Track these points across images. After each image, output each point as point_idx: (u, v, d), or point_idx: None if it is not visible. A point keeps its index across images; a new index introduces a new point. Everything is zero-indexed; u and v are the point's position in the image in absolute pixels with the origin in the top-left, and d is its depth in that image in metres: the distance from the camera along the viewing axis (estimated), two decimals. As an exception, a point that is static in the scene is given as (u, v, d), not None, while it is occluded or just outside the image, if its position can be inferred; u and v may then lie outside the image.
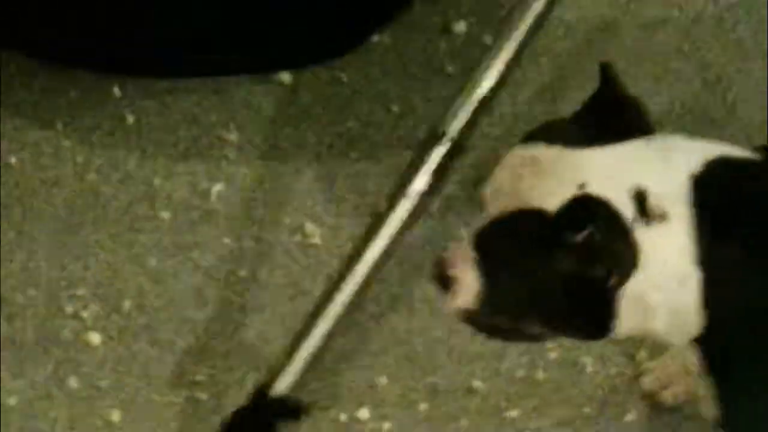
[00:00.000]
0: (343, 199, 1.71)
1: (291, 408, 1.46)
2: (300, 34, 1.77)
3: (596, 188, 1.07)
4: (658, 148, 1.11)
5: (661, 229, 1.08)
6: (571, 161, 1.09)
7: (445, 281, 1.15)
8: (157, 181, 1.75)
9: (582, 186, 1.07)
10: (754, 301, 1.10)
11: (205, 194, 1.74)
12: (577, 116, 1.14)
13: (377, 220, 1.52)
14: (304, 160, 1.75)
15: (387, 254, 1.50)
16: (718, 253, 1.08)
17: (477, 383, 1.59)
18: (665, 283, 1.09)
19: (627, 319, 1.11)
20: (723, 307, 1.10)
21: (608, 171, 1.08)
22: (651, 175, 1.09)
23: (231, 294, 1.66)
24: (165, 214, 1.73)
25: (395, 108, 1.77)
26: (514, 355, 1.59)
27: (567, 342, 1.52)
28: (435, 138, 1.52)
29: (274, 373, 1.47)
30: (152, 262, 1.69)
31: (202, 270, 1.68)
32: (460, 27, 1.81)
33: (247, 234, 1.70)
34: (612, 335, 1.11)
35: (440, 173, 1.51)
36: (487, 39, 1.78)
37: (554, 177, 1.09)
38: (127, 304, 1.67)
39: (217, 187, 1.74)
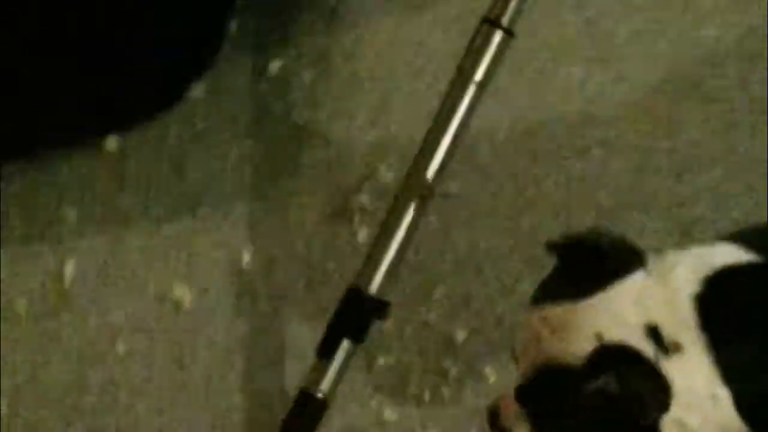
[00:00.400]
0: (202, 255, 1.71)
1: (381, 306, 1.48)
2: (115, 96, 1.75)
3: (613, 335, 1.12)
4: (657, 275, 1.15)
5: (681, 357, 1.11)
6: (581, 314, 1.14)
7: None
8: (5, 273, 1.69)
9: (599, 336, 1.12)
10: None
11: (58, 276, 1.69)
12: (560, 272, 1.20)
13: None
14: (152, 223, 1.73)
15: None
16: (742, 366, 1.12)
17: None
18: (700, 406, 1.12)
19: None
20: (761, 413, 1.14)
21: (617, 315, 1.12)
22: (658, 308, 1.13)
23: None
24: (21, 305, 1.68)
25: (232, 155, 1.78)
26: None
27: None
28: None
29: (368, 273, 1.48)
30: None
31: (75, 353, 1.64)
32: (275, 66, 1.84)
33: (112, 308, 1.67)
34: None
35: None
36: (305, 75, 1.81)
37: (570, 332, 1.13)
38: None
39: (69, 268, 1.70)
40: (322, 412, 1.51)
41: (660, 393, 1.11)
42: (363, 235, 1.71)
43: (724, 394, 1.12)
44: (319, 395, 1.49)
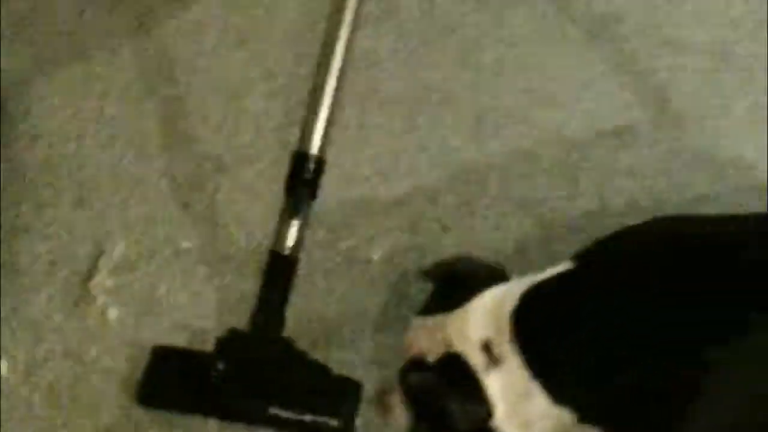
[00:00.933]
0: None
1: (322, 162, 1.65)
2: None
3: (458, 347, 1.37)
4: (499, 297, 1.39)
5: (503, 367, 1.35)
6: (441, 325, 1.40)
7: (383, 406, 1.49)
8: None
9: (449, 345, 1.38)
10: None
11: None
12: (437, 291, 1.50)
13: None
14: None
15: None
16: (545, 360, 1.33)
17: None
18: (522, 403, 1.35)
19: None
20: (569, 395, 1.33)
21: (463, 330, 1.38)
22: (491, 325, 1.36)
23: None
24: None
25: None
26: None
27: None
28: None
29: (307, 137, 1.64)
30: None
31: None
32: None
33: None
34: None
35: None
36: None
37: (433, 339, 1.40)
38: None
39: None
40: (293, 268, 1.64)
41: (470, 402, 1.36)
42: (114, 312, 1.75)
43: (535, 389, 1.34)
44: (287, 252, 1.63)
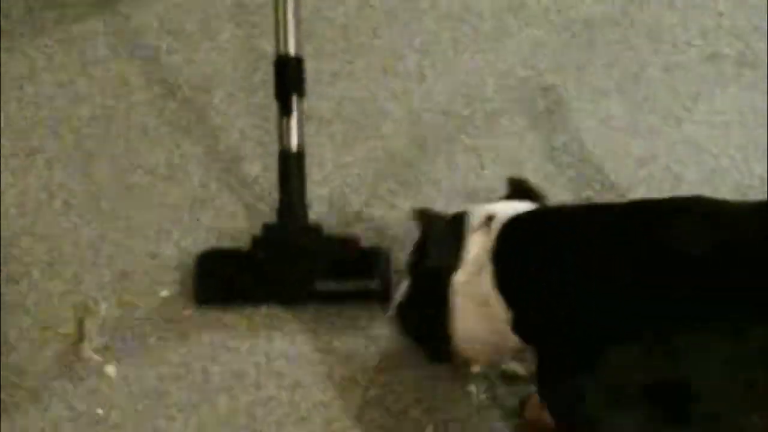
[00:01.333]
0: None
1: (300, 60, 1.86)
2: None
3: (474, 211, 1.60)
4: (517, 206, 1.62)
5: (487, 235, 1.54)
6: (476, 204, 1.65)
7: None
8: None
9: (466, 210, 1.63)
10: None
11: None
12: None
13: None
14: None
15: None
16: (505, 257, 1.52)
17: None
18: (477, 275, 1.54)
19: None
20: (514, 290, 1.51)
21: (486, 208, 1.60)
22: (501, 210, 1.58)
23: None
24: None
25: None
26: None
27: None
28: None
29: (282, 40, 1.86)
30: None
31: None
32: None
33: None
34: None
35: None
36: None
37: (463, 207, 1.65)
38: None
39: None
40: (302, 161, 1.86)
41: (447, 245, 1.58)
42: (112, 369, 1.79)
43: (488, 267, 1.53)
44: (294, 149, 1.85)
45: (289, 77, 1.86)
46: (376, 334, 1.81)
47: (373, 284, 1.82)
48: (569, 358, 1.41)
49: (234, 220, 1.95)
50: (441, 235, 1.62)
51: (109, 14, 2.18)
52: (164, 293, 1.85)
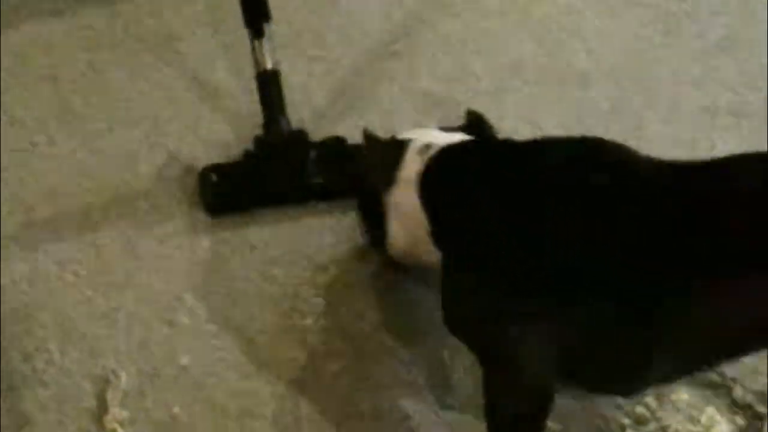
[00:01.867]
0: None
1: None
2: None
3: (417, 136, 1.77)
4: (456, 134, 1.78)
5: (421, 159, 1.71)
6: (426, 131, 1.82)
7: None
8: None
9: (413, 137, 1.78)
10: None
11: None
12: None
13: None
14: None
15: None
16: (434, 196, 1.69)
17: None
18: (410, 203, 1.71)
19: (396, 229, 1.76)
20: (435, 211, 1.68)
21: (430, 137, 1.77)
22: (439, 140, 1.74)
23: None
24: None
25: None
26: None
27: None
28: None
29: None
30: None
31: None
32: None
33: None
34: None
35: None
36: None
37: (414, 134, 1.80)
38: None
39: None
40: (278, 78, 2.05)
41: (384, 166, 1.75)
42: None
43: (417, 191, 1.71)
44: (270, 67, 2.04)
45: (255, 4, 2.03)
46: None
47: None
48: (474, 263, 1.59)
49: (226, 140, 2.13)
50: (382, 157, 1.76)
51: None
52: (184, 361, 1.83)
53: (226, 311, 1.88)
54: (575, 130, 2.10)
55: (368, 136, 1.84)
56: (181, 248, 1.97)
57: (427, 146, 1.73)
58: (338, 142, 2.06)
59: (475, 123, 1.87)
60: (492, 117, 2.12)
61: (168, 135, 2.17)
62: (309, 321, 1.86)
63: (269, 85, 2.05)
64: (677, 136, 2.10)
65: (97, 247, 1.97)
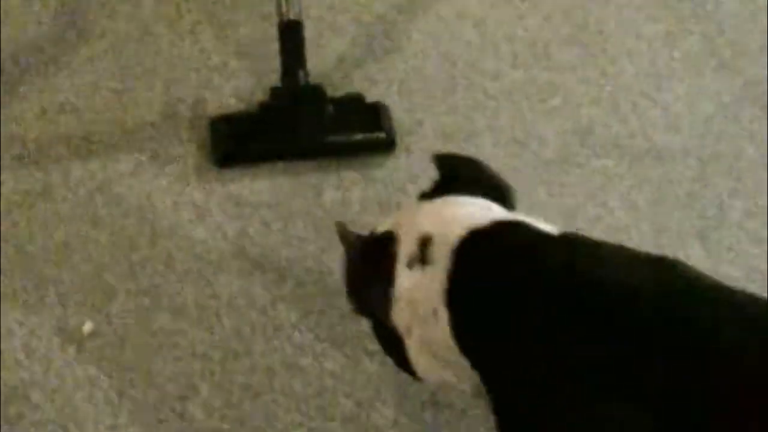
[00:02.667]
0: None
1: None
2: None
3: (402, 227, 1.32)
4: (464, 207, 1.32)
5: (427, 271, 1.27)
6: (407, 208, 1.42)
7: None
8: None
9: (396, 224, 1.34)
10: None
11: None
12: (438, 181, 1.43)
13: None
14: None
15: None
16: (465, 300, 1.26)
17: None
18: (424, 317, 1.29)
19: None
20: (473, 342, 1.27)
21: (414, 217, 1.34)
22: (440, 227, 1.29)
23: None
24: None
25: None
26: None
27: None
28: None
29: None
30: None
31: None
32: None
33: None
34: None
35: None
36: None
37: (394, 216, 1.38)
38: None
39: None
40: (301, 27, 1.97)
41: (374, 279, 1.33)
42: None
43: (443, 316, 1.27)
44: (293, 17, 1.97)
45: None
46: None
47: (383, 135, 1.96)
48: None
49: (242, 87, 2.07)
50: (363, 269, 1.40)
51: None
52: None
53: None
54: (646, 214, 1.90)
55: (343, 234, 1.47)
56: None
57: (424, 242, 1.30)
58: (356, 98, 2.00)
59: (455, 172, 1.45)
60: (554, 191, 1.93)
61: (186, 81, 2.10)
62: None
63: (290, 35, 1.98)
64: (757, 233, 1.87)
65: (108, 314, 1.78)
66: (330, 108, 1.98)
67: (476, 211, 1.32)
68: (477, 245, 1.27)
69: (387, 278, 1.31)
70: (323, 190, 1.93)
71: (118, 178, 1.95)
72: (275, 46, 2.02)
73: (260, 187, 1.94)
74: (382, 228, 1.38)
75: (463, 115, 2.05)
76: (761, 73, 2.10)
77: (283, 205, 1.91)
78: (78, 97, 2.07)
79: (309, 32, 2.02)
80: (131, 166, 1.97)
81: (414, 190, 1.88)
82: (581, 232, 1.55)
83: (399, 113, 2.03)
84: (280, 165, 1.97)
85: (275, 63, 2.02)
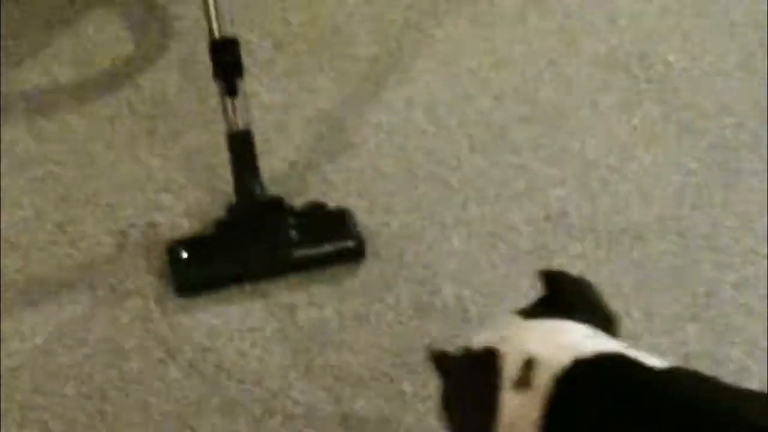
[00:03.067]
0: None
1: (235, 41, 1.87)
2: None
3: (505, 346, 1.24)
4: (571, 333, 1.24)
5: (528, 395, 1.19)
6: (507, 324, 1.30)
7: None
8: None
9: (499, 342, 1.25)
10: None
11: None
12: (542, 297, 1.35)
13: None
14: None
15: None
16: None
17: None
18: None
19: None
20: None
21: (521, 335, 1.25)
22: (546, 352, 1.21)
23: None
24: None
25: None
26: None
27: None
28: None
29: (210, 26, 1.88)
30: None
31: None
32: None
33: None
34: None
35: None
36: None
37: (496, 332, 1.28)
38: None
39: None
40: (251, 138, 1.87)
41: (475, 402, 1.25)
42: None
43: None
44: (242, 128, 1.87)
45: (229, 59, 1.87)
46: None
47: (351, 243, 1.87)
48: None
49: (193, 204, 1.96)
50: (465, 390, 1.31)
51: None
52: None
53: None
54: (634, 300, 1.83)
55: (440, 357, 1.38)
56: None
57: (529, 364, 1.23)
58: (318, 207, 1.91)
59: (564, 296, 1.36)
60: (536, 283, 1.84)
61: (134, 203, 1.97)
62: None
63: (241, 146, 1.88)
64: (752, 306, 1.82)
65: None
66: (292, 220, 1.89)
67: (582, 338, 1.25)
68: (580, 376, 1.19)
69: (489, 399, 1.23)
70: (296, 309, 1.83)
71: (76, 320, 1.82)
72: (222, 155, 1.92)
73: (230, 313, 1.82)
74: (480, 344, 1.29)
75: (429, 211, 1.96)
76: (724, 135, 2.05)
77: (256, 331, 1.80)
78: (18, 233, 1.93)
79: (256, 137, 1.92)
80: (88, 306, 1.84)
81: (392, 299, 1.81)
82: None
83: (362, 216, 1.93)
84: (248, 287, 1.85)
85: (225, 172, 1.92)
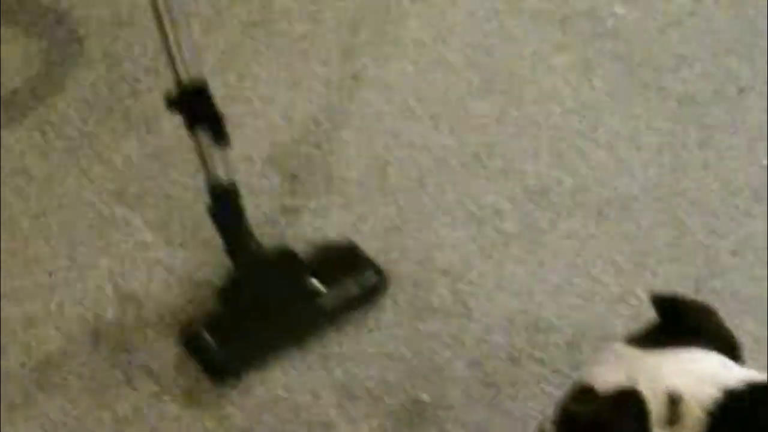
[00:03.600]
0: None
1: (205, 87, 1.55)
2: None
3: (641, 384, 1.14)
4: (709, 363, 1.17)
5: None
6: (633, 358, 1.17)
7: None
8: None
9: (631, 380, 1.15)
10: None
11: None
12: (657, 325, 1.23)
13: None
14: None
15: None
16: None
17: None
18: None
19: None
20: None
21: (658, 369, 1.15)
22: (688, 384, 1.13)
23: None
24: None
25: None
26: None
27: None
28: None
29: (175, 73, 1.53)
30: None
31: None
32: None
33: None
34: None
35: None
36: None
37: (618, 369, 1.17)
38: None
39: None
40: (237, 191, 1.63)
41: None
42: None
43: None
44: (225, 181, 1.61)
45: (200, 110, 1.58)
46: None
47: (376, 277, 1.72)
48: None
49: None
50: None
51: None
52: None
53: None
54: (634, 277, 1.76)
55: (578, 394, 1.22)
56: None
57: (674, 401, 1.15)
58: (328, 247, 1.76)
59: (682, 318, 1.25)
60: (532, 269, 1.76)
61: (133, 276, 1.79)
62: None
63: (225, 200, 1.65)
64: (752, 271, 1.77)
65: None
66: (304, 268, 1.71)
67: (719, 367, 1.17)
68: (736, 408, 1.13)
69: None
70: (328, 357, 1.68)
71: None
72: (198, 208, 1.74)
73: (272, 381, 1.67)
74: (608, 385, 1.18)
75: (405, 200, 1.85)
76: (690, 90, 1.99)
77: (299, 392, 1.65)
78: None
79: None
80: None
81: (424, 326, 1.68)
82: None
83: (339, 214, 1.81)
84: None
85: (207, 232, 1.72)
